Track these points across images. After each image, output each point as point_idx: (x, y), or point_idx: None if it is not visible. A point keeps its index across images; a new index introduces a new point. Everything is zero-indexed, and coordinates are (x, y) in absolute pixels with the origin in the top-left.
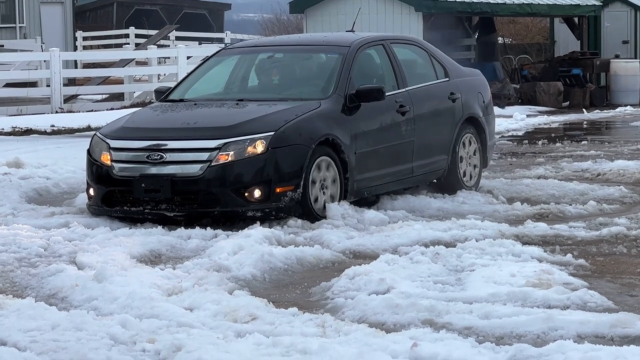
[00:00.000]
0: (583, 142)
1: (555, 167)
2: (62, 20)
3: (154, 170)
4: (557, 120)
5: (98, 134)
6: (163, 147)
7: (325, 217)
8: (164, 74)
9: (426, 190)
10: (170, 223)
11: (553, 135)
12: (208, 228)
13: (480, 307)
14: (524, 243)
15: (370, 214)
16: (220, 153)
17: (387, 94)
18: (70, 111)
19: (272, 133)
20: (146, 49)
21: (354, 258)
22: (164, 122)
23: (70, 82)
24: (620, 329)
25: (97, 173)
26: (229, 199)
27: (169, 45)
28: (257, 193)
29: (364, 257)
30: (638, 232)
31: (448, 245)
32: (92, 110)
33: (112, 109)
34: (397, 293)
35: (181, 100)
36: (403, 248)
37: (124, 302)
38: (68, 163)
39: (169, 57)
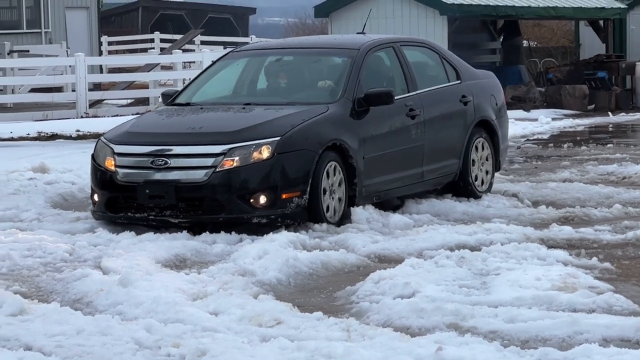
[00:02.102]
0: (609, 145)
1: (580, 171)
2: (87, 25)
3: (158, 175)
4: (582, 123)
5: (102, 138)
6: (167, 153)
7: (334, 223)
8: (189, 78)
9: (451, 193)
10: (174, 229)
11: (578, 138)
12: (233, 232)
13: (506, 310)
14: (549, 247)
15: (395, 217)
16: (226, 158)
17: (396, 97)
18: (96, 116)
19: (278, 138)
20: (171, 54)
21: (379, 262)
22: (169, 127)
23: (96, 87)
24: None
25: (101, 178)
26: (234, 205)
27: (194, 50)
28: (262, 199)
29: (389, 261)
30: None
31: (473, 249)
32: (117, 115)
33: (137, 113)
34: (422, 297)
35: (188, 104)
36: (428, 252)
37: (148, 306)
38: None
39: (194, 62)
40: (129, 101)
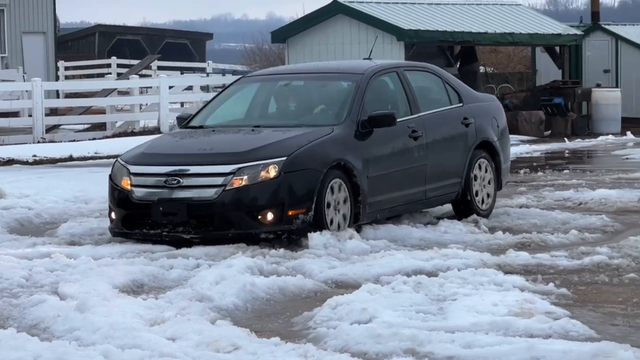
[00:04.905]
0: (565, 171)
1: (537, 196)
2: (44, 50)
3: (171, 194)
4: (538, 149)
5: (119, 160)
6: (180, 172)
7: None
8: (146, 104)
9: (408, 219)
10: (187, 244)
11: (535, 164)
12: (190, 258)
13: (463, 336)
14: (506, 272)
15: (352, 243)
16: (235, 177)
17: (399, 119)
18: (52, 141)
19: (284, 158)
20: (128, 79)
21: (336, 288)
22: (182, 148)
23: (52, 112)
24: (602, 359)
25: (118, 197)
26: (243, 222)
27: (150, 75)
28: (270, 216)
29: (346, 286)
30: (620, 261)
31: (430, 274)
32: (74, 140)
33: (94, 138)
34: (380, 322)
35: (201, 127)
36: (385, 277)
37: (106, 332)
38: (50, 193)
39: (150, 87)
40: (86, 126)
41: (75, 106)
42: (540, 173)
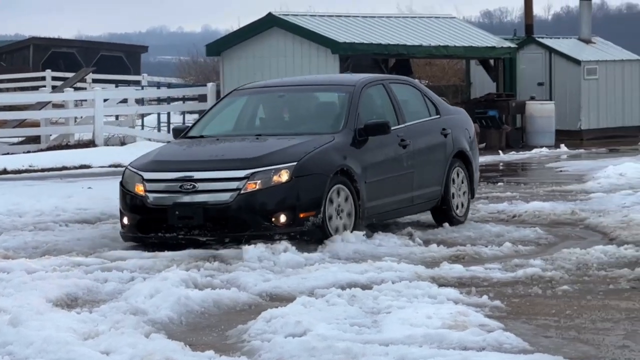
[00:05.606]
0: (499, 184)
1: (471, 209)
2: None
3: (187, 198)
4: None
5: (130, 167)
6: (195, 178)
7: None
8: (81, 117)
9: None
10: (199, 246)
11: None
12: (125, 271)
13: (396, 349)
14: (440, 285)
15: (287, 256)
16: (249, 182)
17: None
18: None
19: (295, 163)
20: (63, 92)
21: (270, 300)
22: (193, 155)
23: None
24: None
25: (132, 203)
26: (258, 224)
27: (85, 88)
28: (283, 218)
29: (281, 299)
30: (553, 273)
31: (364, 287)
32: (7, 153)
33: (28, 151)
34: (314, 335)
35: (201, 137)
36: (319, 290)
37: (39, 346)
38: None
39: (85, 100)
40: (20, 139)
41: (10, 119)
42: None
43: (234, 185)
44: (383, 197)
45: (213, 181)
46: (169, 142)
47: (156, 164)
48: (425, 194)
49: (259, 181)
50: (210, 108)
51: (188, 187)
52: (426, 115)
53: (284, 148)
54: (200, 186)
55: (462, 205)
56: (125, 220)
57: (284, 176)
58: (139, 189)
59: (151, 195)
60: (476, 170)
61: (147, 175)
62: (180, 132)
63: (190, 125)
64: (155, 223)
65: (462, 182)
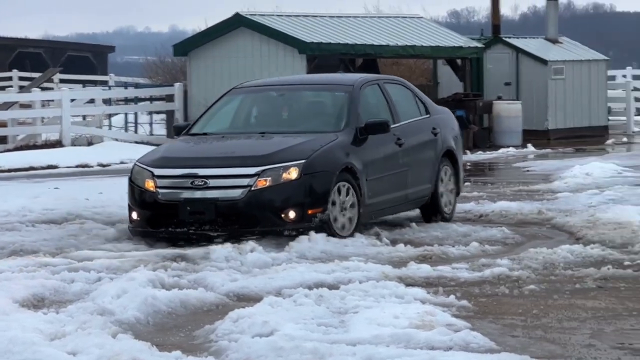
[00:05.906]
0: (466, 184)
1: None
2: None
3: (198, 194)
4: None
5: (138, 163)
6: (206, 174)
7: (344, 237)
8: (48, 117)
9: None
10: (208, 241)
11: None
12: (92, 271)
13: (364, 349)
14: (407, 285)
15: (254, 256)
16: (259, 179)
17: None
18: None
19: (303, 161)
20: (30, 92)
21: (237, 301)
22: (202, 152)
23: None
24: None
25: (141, 198)
26: (268, 220)
27: (52, 88)
28: (292, 214)
29: (248, 299)
30: (520, 272)
31: (331, 287)
32: None
33: None
34: (281, 335)
35: (204, 134)
36: (287, 290)
37: (5, 347)
38: None
39: (52, 100)
40: None
41: None
42: None
43: (244, 182)
44: (381, 194)
45: (224, 178)
46: (141, 142)
47: (166, 161)
48: (417, 192)
49: (269, 178)
50: (211, 105)
51: (199, 183)
52: (417, 115)
53: (291, 146)
54: (212, 182)
55: (450, 202)
56: (134, 216)
57: (293, 173)
58: (149, 184)
59: (162, 191)
60: (462, 169)
61: (158, 171)
62: (181, 130)
63: (191, 123)
64: (165, 218)
65: (450, 180)
